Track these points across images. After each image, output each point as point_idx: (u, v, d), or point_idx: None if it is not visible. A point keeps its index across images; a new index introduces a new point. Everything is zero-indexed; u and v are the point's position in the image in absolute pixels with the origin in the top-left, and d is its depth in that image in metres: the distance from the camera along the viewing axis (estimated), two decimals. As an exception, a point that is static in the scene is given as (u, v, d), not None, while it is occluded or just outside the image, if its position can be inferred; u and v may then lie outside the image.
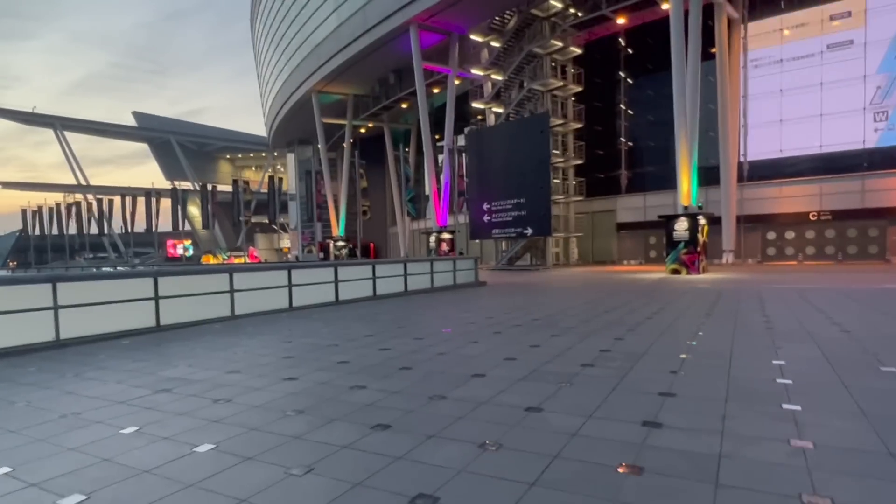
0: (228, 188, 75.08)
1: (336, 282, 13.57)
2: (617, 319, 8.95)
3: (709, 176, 26.11)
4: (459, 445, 3.33)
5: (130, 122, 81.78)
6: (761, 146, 28.83)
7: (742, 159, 28.85)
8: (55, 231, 50.52)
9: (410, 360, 6.03)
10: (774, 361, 5.39)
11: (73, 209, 47.24)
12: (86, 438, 3.71)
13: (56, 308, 8.07)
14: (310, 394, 4.72)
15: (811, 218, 27.15)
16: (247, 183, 48.74)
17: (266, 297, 11.57)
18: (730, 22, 27.27)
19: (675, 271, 22.31)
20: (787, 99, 27.90)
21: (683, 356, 5.80)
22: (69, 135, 74.70)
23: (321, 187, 49.49)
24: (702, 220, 22.32)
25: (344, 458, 3.22)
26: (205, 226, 37.73)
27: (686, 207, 22.34)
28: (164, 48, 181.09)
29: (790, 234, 28.09)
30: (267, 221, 77.98)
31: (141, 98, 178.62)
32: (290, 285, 12.15)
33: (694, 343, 6.58)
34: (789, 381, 4.58)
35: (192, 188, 71.09)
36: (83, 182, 73.24)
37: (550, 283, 20.14)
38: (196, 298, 10.11)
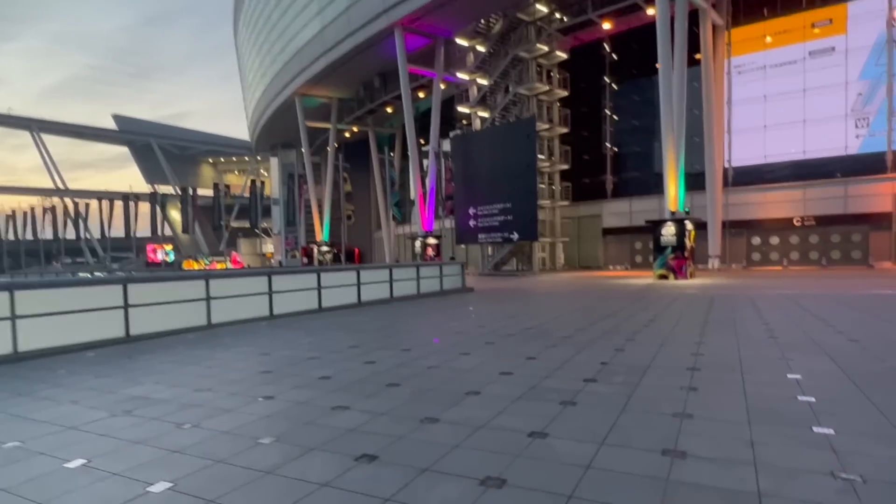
0: (210, 192, 73.97)
1: (319, 288, 13.05)
2: (613, 328, 8.59)
3: (694, 181, 26.04)
4: (457, 482, 2.89)
5: (111, 125, 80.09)
6: (745, 152, 28.96)
7: (727, 165, 28.94)
8: (30, 236, 48.90)
9: (398, 375, 5.57)
10: (789, 375, 5.05)
11: (49, 213, 45.71)
12: (20, 475, 3.20)
13: (13, 318, 7.46)
14: (286, 416, 4.24)
15: (795, 223, 27.29)
16: (228, 187, 47.73)
17: (245, 304, 11.01)
18: (714, 28, 27.39)
19: (663, 276, 22.15)
20: (771, 105, 28.07)
21: (691, 369, 5.44)
22: (49, 138, 72.76)
23: (303, 191, 48.68)
24: (689, 226, 22.20)
25: (322, 500, 2.76)
26: (185, 230, 36.66)
27: (673, 212, 22.21)
28: (145, 52, 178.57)
29: (775, 240, 28.20)
30: (249, 226, 77.27)
31: (122, 102, 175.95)
32: (270, 292, 11.60)
33: (699, 355, 6.22)
34: (812, 399, 4.22)
35: (173, 192, 69.74)
36: (60, 186, 71.41)
37: (539, 288, 19.81)
38: (169, 307, 9.52)
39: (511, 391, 4.78)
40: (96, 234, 62.08)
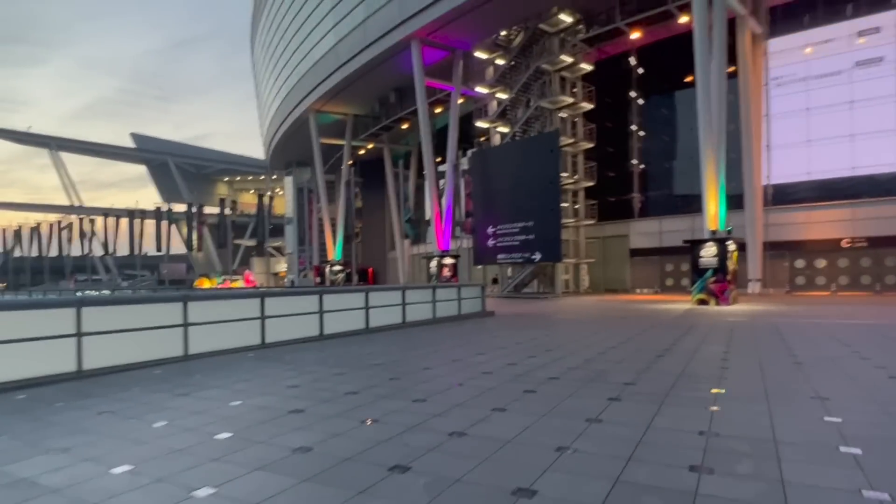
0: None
1: (321, 312, 11.40)
2: (679, 368, 6.77)
3: (729, 200, 24.11)
4: None
5: (131, 144, 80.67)
6: (786, 168, 26.95)
7: (765, 182, 26.93)
8: (40, 251, 48.25)
9: (407, 450, 3.84)
10: None
11: (65, 230, 45.08)
12: None
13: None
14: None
15: (844, 245, 25.07)
16: (235, 203, 46.75)
17: (231, 331, 9.38)
18: (753, 37, 25.70)
19: (703, 301, 20.12)
20: (815, 118, 26.11)
21: (846, 450, 3.63)
22: (74, 158, 73.50)
23: (313, 208, 47.47)
24: (731, 246, 20.24)
25: None
26: (190, 248, 35.51)
27: (714, 232, 20.27)
28: (171, 74, 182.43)
29: (821, 263, 25.93)
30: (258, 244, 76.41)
31: (147, 123, 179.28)
32: (262, 317, 9.97)
33: (836, 420, 4.39)
34: None
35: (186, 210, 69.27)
36: (76, 203, 71.53)
37: (566, 313, 17.95)
38: (135, 335, 7.92)
39: (583, 488, 3.03)
40: (110, 251, 61.87)
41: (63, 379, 6.90)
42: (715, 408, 4.83)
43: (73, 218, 62.24)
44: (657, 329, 12.11)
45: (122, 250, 49.78)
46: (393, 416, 4.74)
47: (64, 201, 72.70)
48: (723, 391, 5.52)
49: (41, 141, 73.80)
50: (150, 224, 37.87)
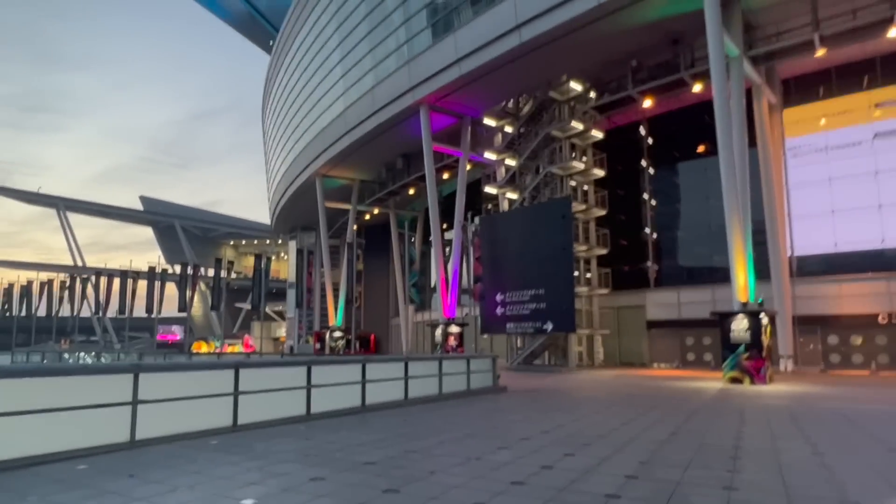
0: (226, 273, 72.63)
1: (308, 387, 9.72)
2: (775, 483, 5.04)
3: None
4: None
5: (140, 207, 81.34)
6: (810, 240, 25.67)
7: (789, 253, 25.57)
8: (28, 310, 46.68)
9: None
10: None
11: (46, 288, 43.73)
12: None
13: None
14: None
15: (881, 321, 23.27)
16: (231, 263, 45.59)
17: (194, 410, 7.71)
18: (770, 107, 25.28)
19: (736, 380, 18.15)
20: (838, 188, 25.12)
21: None
22: (86, 220, 73.81)
23: (313, 270, 46.16)
24: (764, 319, 18.54)
25: None
26: (181, 309, 33.97)
27: (745, 304, 18.64)
28: (188, 144, 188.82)
29: (857, 340, 24.02)
30: (266, 309, 74.68)
31: (162, 189, 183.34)
32: (235, 393, 8.30)
33: None
34: None
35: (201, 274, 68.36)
36: (79, 263, 70.84)
37: (587, 390, 16.06)
38: (65, 415, 6.28)
39: None
40: (109, 313, 60.06)
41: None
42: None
43: (64, 276, 61.05)
44: (702, 415, 10.29)
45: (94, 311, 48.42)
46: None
47: (70, 262, 72.43)
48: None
49: (49, 201, 74.35)
50: (134, 283, 36.64)
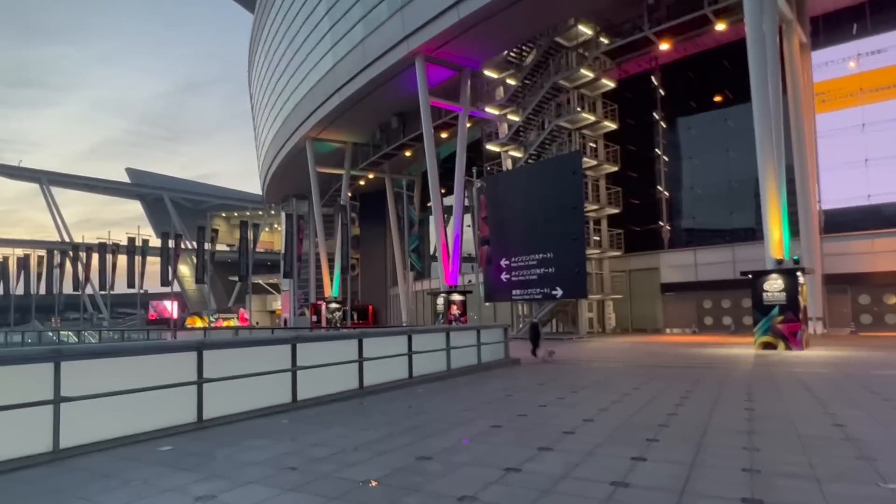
0: (221, 246, 70.59)
1: (293, 370, 7.99)
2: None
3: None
4: None
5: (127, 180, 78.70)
6: (839, 192, 23.87)
7: (818, 207, 23.79)
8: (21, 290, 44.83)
9: None
10: None
11: (45, 266, 41.76)
12: None
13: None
14: None
15: (916, 278, 21.76)
16: (216, 232, 43.58)
17: (147, 404, 5.96)
18: (801, 47, 23.05)
19: (768, 345, 16.61)
20: (872, 135, 23.18)
21: None
22: (77, 196, 71.20)
23: (304, 237, 44.16)
24: (801, 279, 16.87)
25: None
26: (164, 283, 32.16)
27: (780, 261, 16.92)
28: (178, 116, 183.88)
29: (891, 299, 22.49)
30: (261, 281, 72.89)
31: (153, 163, 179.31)
32: (199, 381, 6.54)
33: None
34: None
35: (185, 247, 66.31)
36: (66, 239, 68.66)
37: (608, 360, 14.48)
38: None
39: None
40: (95, 289, 58.13)
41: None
42: None
43: (43, 252, 58.99)
44: (761, 391, 8.62)
45: (120, 287, 46.45)
46: None
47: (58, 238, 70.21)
48: None
49: (33, 175, 71.69)
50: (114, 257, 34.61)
